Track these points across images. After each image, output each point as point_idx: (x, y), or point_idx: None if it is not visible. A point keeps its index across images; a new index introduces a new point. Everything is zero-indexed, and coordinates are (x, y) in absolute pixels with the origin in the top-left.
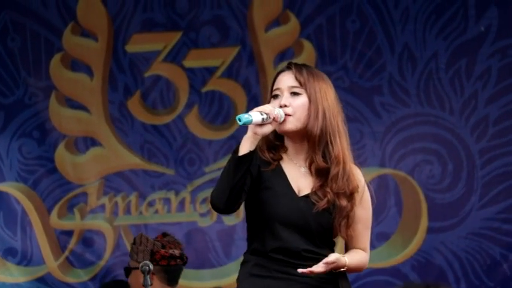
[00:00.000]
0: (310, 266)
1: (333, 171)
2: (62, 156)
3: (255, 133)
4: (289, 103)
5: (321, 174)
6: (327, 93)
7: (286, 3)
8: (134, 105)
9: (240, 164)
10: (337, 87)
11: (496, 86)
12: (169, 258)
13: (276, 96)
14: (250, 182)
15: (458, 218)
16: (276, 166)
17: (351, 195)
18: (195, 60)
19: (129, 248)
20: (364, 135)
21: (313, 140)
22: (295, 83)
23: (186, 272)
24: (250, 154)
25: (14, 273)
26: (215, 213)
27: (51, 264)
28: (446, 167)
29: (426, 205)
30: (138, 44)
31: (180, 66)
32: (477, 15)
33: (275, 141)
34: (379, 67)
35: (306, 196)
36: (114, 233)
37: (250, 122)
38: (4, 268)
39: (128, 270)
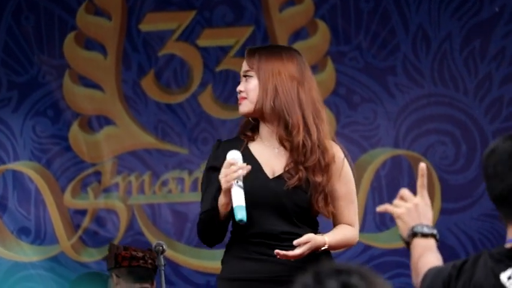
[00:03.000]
0: (289, 247)
1: (295, 141)
2: (76, 135)
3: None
4: (244, 88)
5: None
6: (280, 70)
7: None
8: (148, 84)
9: (218, 213)
10: (351, 68)
11: (510, 67)
12: (130, 259)
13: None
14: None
15: (472, 200)
16: (244, 150)
17: (325, 168)
18: (209, 39)
19: (142, 227)
20: (378, 115)
21: (268, 117)
22: (247, 67)
23: (199, 252)
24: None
25: (28, 253)
26: None
27: (65, 243)
28: (460, 149)
29: (439, 186)
30: (152, 23)
31: (194, 45)
32: None
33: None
34: (393, 47)
35: (278, 176)
36: (127, 212)
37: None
38: (18, 247)
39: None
